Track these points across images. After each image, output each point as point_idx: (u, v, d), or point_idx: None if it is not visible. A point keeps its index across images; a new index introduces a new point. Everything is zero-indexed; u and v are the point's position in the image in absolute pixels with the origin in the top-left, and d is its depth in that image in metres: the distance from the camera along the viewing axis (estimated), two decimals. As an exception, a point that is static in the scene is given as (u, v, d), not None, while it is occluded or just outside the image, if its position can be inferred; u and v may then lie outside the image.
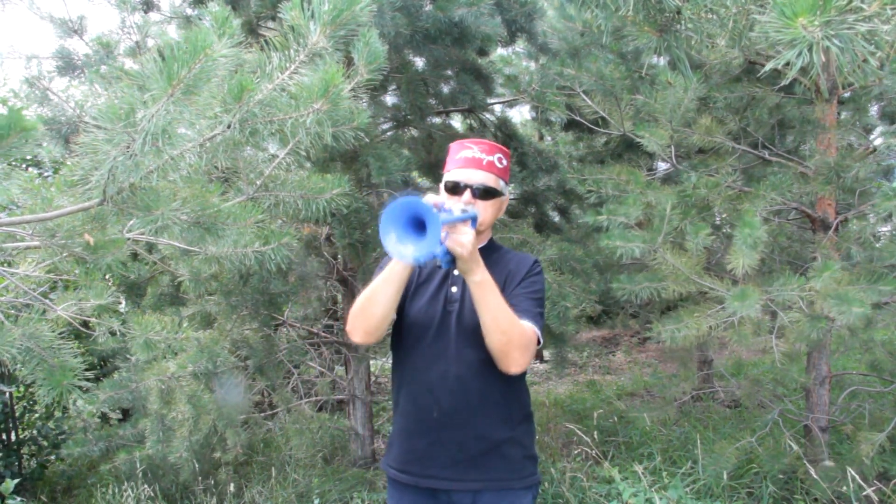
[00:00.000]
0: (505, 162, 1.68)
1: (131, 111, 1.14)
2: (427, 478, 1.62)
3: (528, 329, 1.52)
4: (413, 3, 3.47)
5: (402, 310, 1.68)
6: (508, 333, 1.45)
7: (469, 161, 1.63)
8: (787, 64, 0.84)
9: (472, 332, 1.55)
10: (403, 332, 1.68)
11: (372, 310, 1.51)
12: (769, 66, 0.91)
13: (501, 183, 1.67)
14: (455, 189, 1.63)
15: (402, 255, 1.27)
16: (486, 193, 1.62)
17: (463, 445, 1.59)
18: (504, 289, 1.59)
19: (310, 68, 1.44)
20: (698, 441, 3.64)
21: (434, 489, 1.62)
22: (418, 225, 1.28)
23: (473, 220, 1.54)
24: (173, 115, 1.14)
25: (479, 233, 1.66)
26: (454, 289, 1.65)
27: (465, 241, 1.36)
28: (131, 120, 1.14)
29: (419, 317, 1.64)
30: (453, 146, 1.71)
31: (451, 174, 1.66)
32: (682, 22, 1.04)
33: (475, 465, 1.59)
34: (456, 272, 1.65)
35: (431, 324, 1.63)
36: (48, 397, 1.59)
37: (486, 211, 1.63)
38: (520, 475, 1.64)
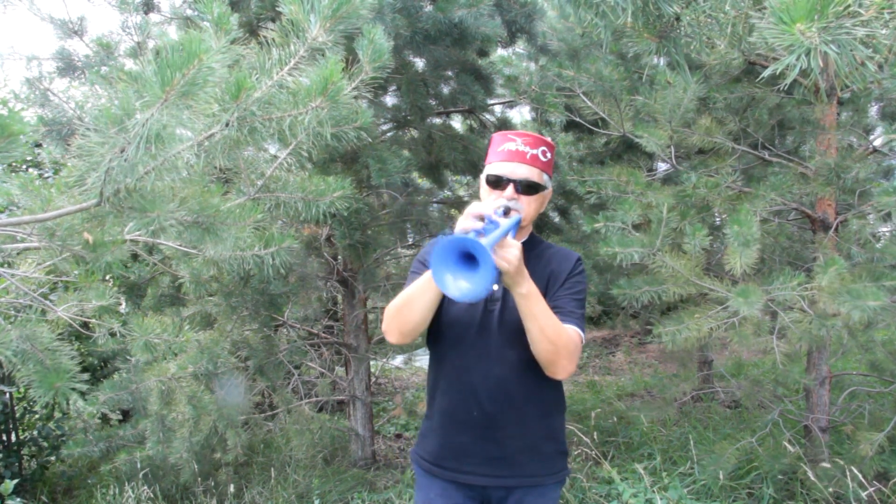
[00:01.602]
0: (549, 155, 1.63)
1: (125, 115, 1.13)
2: (462, 473, 1.61)
3: (574, 334, 1.49)
4: (413, 4, 3.47)
5: (441, 306, 1.63)
6: (556, 343, 1.42)
7: (513, 154, 1.58)
8: (787, 67, 0.84)
9: (514, 332, 1.52)
10: (443, 328, 1.63)
11: (409, 315, 1.49)
12: (768, 70, 0.91)
13: (545, 177, 1.63)
14: (497, 183, 1.59)
15: (462, 295, 1.23)
16: (529, 188, 1.58)
17: (501, 444, 1.58)
18: (547, 288, 1.56)
19: (309, 64, 1.42)
20: (693, 441, 3.64)
21: (468, 484, 1.62)
22: (467, 257, 1.25)
23: (516, 224, 1.50)
24: (167, 120, 1.13)
25: (520, 228, 1.63)
26: (495, 287, 1.60)
27: (511, 256, 1.32)
28: (125, 125, 1.13)
29: (460, 315, 1.61)
30: (496, 137, 1.65)
31: (493, 167, 1.61)
32: (682, 28, 1.04)
33: (511, 463, 1.59)
34: None
35: (472, 323, 1.59)
36: (42, 400, 1.57)
37: (529, 206, 1.60)
38: (552, 470, 1.64)
